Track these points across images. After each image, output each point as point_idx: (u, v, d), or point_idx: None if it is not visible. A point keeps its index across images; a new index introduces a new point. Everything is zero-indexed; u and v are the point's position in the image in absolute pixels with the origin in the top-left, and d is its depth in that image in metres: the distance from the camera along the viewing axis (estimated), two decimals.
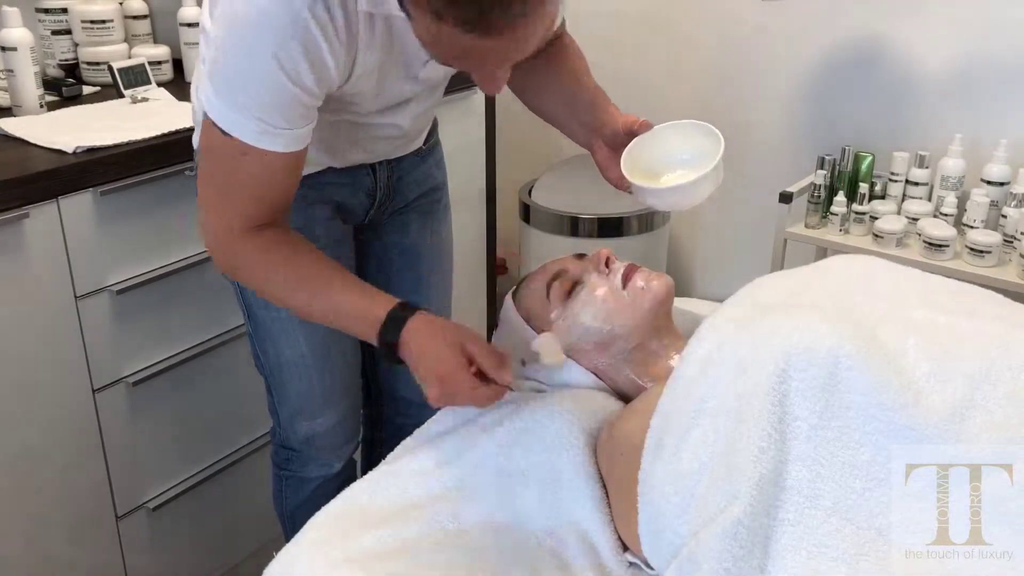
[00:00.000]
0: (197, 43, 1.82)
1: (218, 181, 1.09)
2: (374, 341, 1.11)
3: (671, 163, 1.17)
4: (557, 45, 1.31)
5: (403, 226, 1.45)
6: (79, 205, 1.44)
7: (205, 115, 1.04)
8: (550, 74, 1.31)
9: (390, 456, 1.22)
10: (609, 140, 1.23)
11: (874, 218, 1.91)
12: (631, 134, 1.19)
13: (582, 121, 1.27)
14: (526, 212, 2.30)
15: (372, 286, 1.15)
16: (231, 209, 1.09)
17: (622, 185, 1.19)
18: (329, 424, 1.42)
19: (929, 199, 1.94)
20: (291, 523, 1.53)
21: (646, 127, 1.19)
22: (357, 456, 1.55)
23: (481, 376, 1.09)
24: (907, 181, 1.96)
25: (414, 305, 1.12)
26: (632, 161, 1.16)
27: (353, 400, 1.47)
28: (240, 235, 1.10)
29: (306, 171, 1.20)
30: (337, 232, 1.35)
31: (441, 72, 1.20)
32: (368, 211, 1.39)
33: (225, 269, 1.16)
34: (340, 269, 1.15)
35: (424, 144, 1.43)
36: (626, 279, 1.21)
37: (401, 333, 1.09)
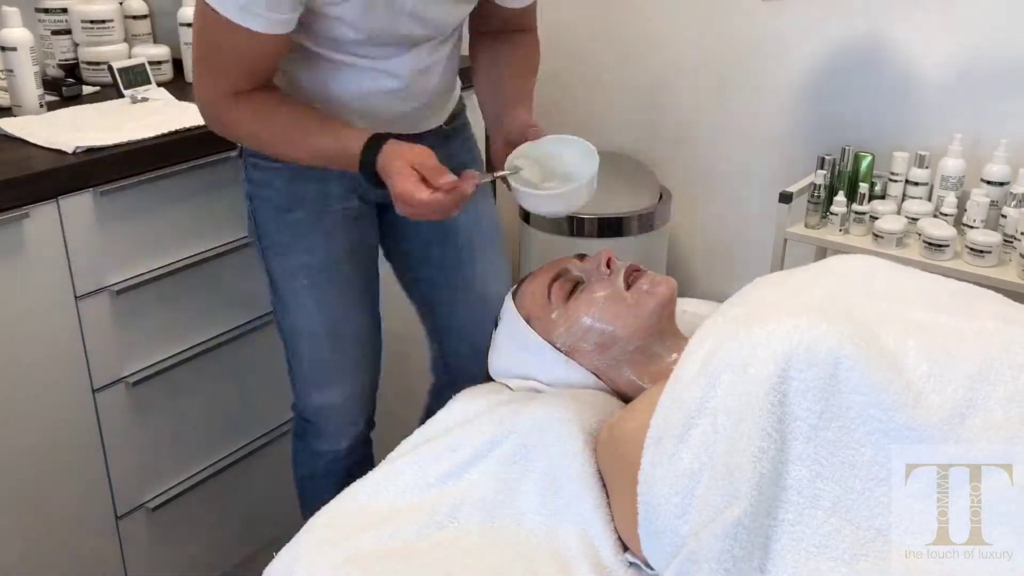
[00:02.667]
0: None
1: (207, 54, 1.19)
2: (365, 181, 1.21)
3: (551, 171, 1.25)
4: (518, 37, 1.39)
5: None
6: (79, 205, 1.44)
7: None
8: (495, 59, 1.39)
9: (390, 456, 1.22)
10: (508, 138, 1.29)
11: (874, 218, 1.90)
12: (522, 134, 1.27)
13: (496, 112, 1.35)
14: (526, 212, 2.30)
15: (346, 126, 1.23)
16: (220, 79, 1.20)
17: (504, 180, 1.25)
18: (337, 399, 1.47)
19: (929, 199, 1.94)
20: (299, 492, 1.61)
21: (536, 132, 1.26)
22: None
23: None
24: (907, 181, 1.96)
25: (385, 135, 1.19)
26: (516, 161, 1.25)
27: (364, 380, 1.50)
28: (227, 100, 1.20)
29: None
30: (354, 208, 1.40)
31: (439, 10, 1.24)
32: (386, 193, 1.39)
33: (216, 128, 1.26)
34: (317, 116, 1.23)
35: (446, 124, 1.45)
36: (630, 281, 1.21)
37: (375, 165, 1.18)
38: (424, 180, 1.15)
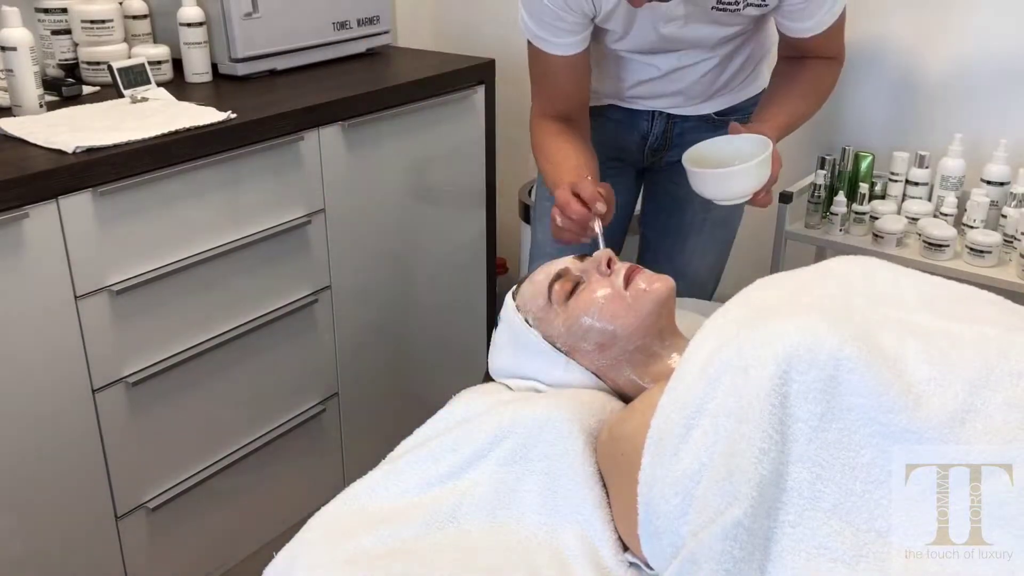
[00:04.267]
0: (196, 43, 1.85)
1: (531, 77, 1.51)
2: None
3: (727, 161, 1.35)
4: (810, 63, 1.50)
5: (678, 176, 1.55)
6: (79, 205, 1.44)
7: None
8: (780, 77, 1.53)
9: (390, 456, 1.22)
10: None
11: (874, 218, 1.90)
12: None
13: (755, 115, 1.50)
14: (526, 212, 2.30)
15: (569, 171, 1.41)
16: (537, 98, 1.52)
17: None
18: None
19: (929, 199, 1.94)
20: None
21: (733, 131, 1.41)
22: None
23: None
24: (907, 181, 1.96)
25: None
26: (697, 156, 1.37)
27: None
28: (537, 116, 1.52)
29: (593, 103, 1.59)
30: (613, 169, 1.63)
31: (686, 34, 1.42)
32: (643, 154, 1.66)
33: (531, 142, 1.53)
34: (567, 152, 1.45)
35: (718, 115, 1.61)
36: (628, 281, 1.21)
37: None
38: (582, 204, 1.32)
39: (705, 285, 1.78)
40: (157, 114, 1.64)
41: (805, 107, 1.51)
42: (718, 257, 1.78)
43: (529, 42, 1.45)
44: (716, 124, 1.62)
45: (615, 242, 1.71)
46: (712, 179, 1.33)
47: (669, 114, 1.61)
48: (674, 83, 1.55)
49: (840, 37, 1.49)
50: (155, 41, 1.95)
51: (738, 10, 1.37)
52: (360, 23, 2.08)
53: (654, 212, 1.76)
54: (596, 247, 1.29)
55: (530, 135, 1.52)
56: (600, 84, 1.59)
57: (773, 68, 1.57)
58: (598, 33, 1.45)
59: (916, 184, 1.94)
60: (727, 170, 1.31)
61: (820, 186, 1.95)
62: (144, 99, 1.72)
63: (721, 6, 1.36)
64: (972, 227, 1.82)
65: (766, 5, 1.38)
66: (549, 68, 1.46)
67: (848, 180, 1.99)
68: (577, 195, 1.31)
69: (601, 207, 1.30)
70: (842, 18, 1.44)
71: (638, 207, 1.81)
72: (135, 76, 1.74)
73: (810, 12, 1.40)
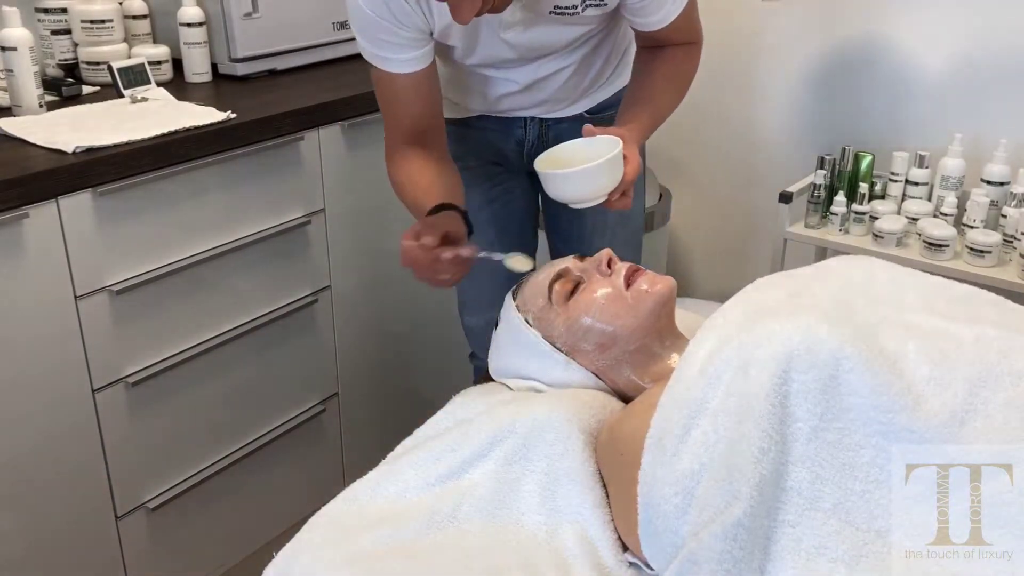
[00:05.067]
0: (196, 43, 1.85)
1: (380, 106, 1.41)
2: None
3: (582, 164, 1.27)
4: (667, 52, 1.42)
5: None
6: (78, 205, 1.44)
7: None
8: (639, 71, 1.46)
9: (390, 456, 1.22)
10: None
11: (874, 218, 1.91)
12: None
13: (618, 116, 1.43)
14: None
15: (448, 195, 1.33)
16: (388, 129, 1.40)
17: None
18: (479, 325, 1.62)
19: (929, 199, 1.94)
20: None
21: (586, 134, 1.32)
22: None
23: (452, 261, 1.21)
24: (907, 181, 1.96)
25: (443, 206, 1.29)
26: (548, 160, 1.30)
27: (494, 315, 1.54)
28: (391, 152, 1.40)
29: (463, 115, 1.54)
30: (497, 175, 1.59)
31: (532, 40, 1.35)
32: (521, 159, 1.58)
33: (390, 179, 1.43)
34: (432, 182, 1.36)
35: (590, 113, 1.55)
36: (629, 281, 1.21)
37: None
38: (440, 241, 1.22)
39: None
40: (157, 114, 1.64)
41: (667, 100, 1.44)
42: (632, 255, 1.69)
43: (371, 68, 1.35)
44: (590, 122, 1.52)
45: (527, 247, 1.66)
46: (559, 180, 1.25)
47: (542, 119, 1.55)
48: (538, 93, 1.49)
49: (693, 21, 1.42)
50: (155, 41, 1.95)
51: (576, 13, 1.31)
52: None
53: (553, 219, 1.69)
54: (492, 261, 1.25)
55: (388, 175, 1.42)
56: (465, 100, 1.53)
57: (635, 58, 1.49)
58: (446, 50, 1.38)
59: (916, 184, 1.94)
60: (572, 171, 1.24)
61: (820, 186, 1.95)
62: (144, 99, 1.72)
63: (559, 11, 1.30)
64: (972, 227, 1.82)
65: (605, 4, 1.32)
66: (396, 89, 1.35)
67: (848, 180, 1.99)
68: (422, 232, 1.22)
69: (430, 240, 1.20)
70: (692, 3, 1.38)
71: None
72: (135, 76, 1.74)
73: (655, 7, 1.34)
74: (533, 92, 1.48)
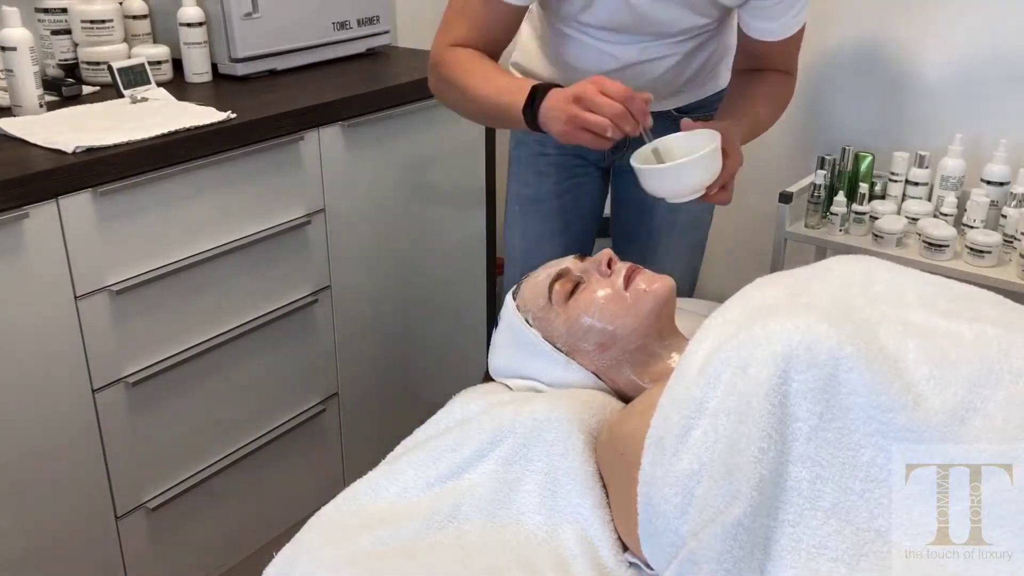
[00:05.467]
0: (196, 43, 1.84)
1: (454, 14, 1.35)
2: (522, 112, 1.22)
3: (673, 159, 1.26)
4: (770, 74, 1.44)
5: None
6: (79, 205, 1.44)
7: None
8: (737, 89, 1.46)
9: (390, 456, 1.22)
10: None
11: (874, 218, 1.90)
12: None
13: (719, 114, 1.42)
14: None
15: (525, 80, 1.28)
16: (453, 31, 1.34)
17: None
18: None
19: (929, 199, 1.94)
20: None
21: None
22: None
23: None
24: (907, 181, 1.96)
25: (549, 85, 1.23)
26: (648, 152, 1.27)
27: None
28: (448, 48, 1.34)
29: None
30: (575, 167, 1.58)
31: (659, 11, 1.33)
32: (603, 152, 1.56)
33: (431, 81, 1.38)
34: (503, 72, 1.32)
35: (678, 111, 1.53)
36: (628, 281, 1.21)
37: (540, 107, 1.20)
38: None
39: (680, 289, 1.71)
40: (157, 114, 1.64)
41: (767, 113, 1.45)
42: (691, 260, 1.75)
43: None
44: (678, 120, 1.53)
45: (585, 246, 1.69)
46: (657, 175, 1.23)
47: None
48: (634, 79, 1.43)
49: (797, 52, 1.45)
50: (155, 41, 1.94)
51: None
52: (360, 23, 2.08)
53: (623, 215, 1.71)
54: (641, 142, 1.23)
55: (438, 67, 1.34)
56: (557, 74, 1.49)
57: (730, 82, 1.51)
58: (559, 4, 1.35)
59: (916, 184, 1.94)
60: (670, 165, 1.22)
61: (820, 186, 1.95)
62: (144, 99, 1.72)
63: None
64: (972, 227, 1.82)
65: None
66: (491, 15, 1.32)
67: (848, 180, 1.99)
68: (602, 91, 1.16)
69: (647, 95, 1.18)
70: (802, 32, 1.40)
71: (607, 210, 1.75)
72: (135, 76, 1.74)
73: (779, 12, 1.35)
74: (630, 75, 1.43)
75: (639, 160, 1.25)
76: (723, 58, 1.57)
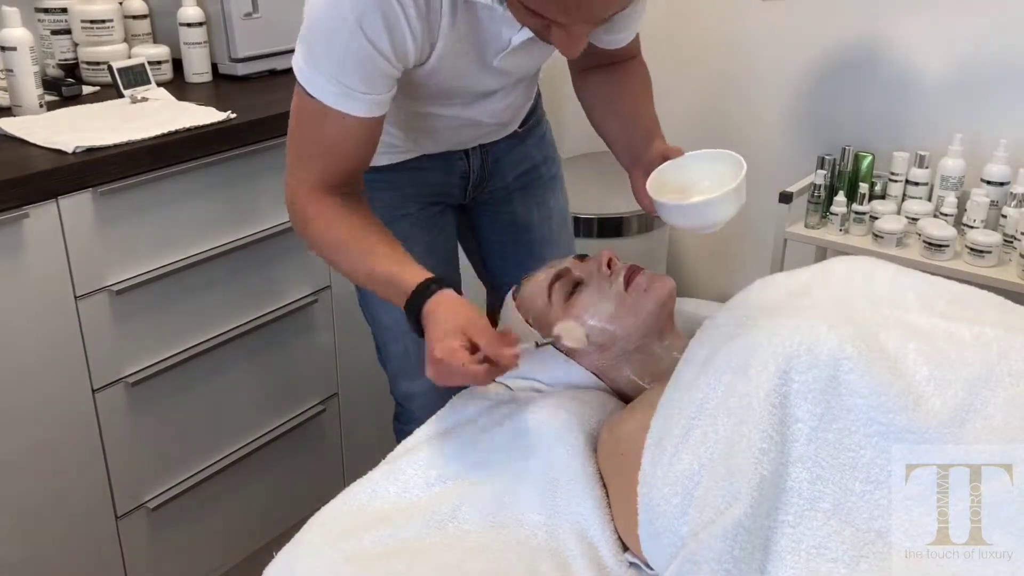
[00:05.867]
0: (196, 43, 1.85)
1: (300, 142, 1.19)
2: (410, 325, 1.13)
3: (695, 187, 1.19)
4: (629, 66, 1.38)
5: (506, 202, 1.52)
6: (79, 205, 1.44)
7: (295, 79, 1.13)
8: (614, 94, 1.36)
9: (390, 456, 1.22)
10: (645, 167, 1.24)
11: (874, 218, 1.91)
12: (663, 159, 1.23)
13: (631, 147, 1.31)
14: None
15: (411, 259, 1.16)
16: (309, 168, 1.18)
17: (651, 209, 1.20)
18: (423, 387, 1.48)
19: (929, 199, 1.95)
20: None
21: (676, 153, 1.23)
22: None
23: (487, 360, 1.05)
24: (907, 181, 1.96)
25: (440, 280, 1.13)
26: (658, 184, 1.19)
27: None
28: (311, 193, 1.18)
29: (400, 159, 1.37)
30: (435, 216, 1.46)
31: (520, 64, 1.26)
32: (465, 192, 1.48)
33: (296, 226, 1.22)
34: (387, 240, 1.18)
35: (520, 127, 1.49)
36: (628, 281, 1.21)
37: (423, 309, 1.10)
38: (471, 345, 1.06)
39: None
40: (157, 114, 1.64)
41: (652, 105, 1.37)
42: (568, 249, 1.61)
43: (312, 106, 1.12)
44: (522, 137, 1.50)
45: (452, 282, 1.48)
46: (686, 211, 1.14)
47: (481, 145, 1.44)
48: (489, 123, 1.38)
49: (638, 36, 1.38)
50: (155, 41, 1.95)
51: None
52: None
53: (497, 243, 1.57)
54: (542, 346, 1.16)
55: (306, 222, 1.19)
56: (410, 143, 1.38)
57: (580, 85, 1.40)
58: (411, 88, 1.21)
59: (916, 184, 1.95)
60: (701, 201, 1.13)
61: (820, 186, 1.95)
62: (144, 99, 1.72)
63: None
64: (972, 227, 1.82)
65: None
66: (345, 130, 1.14)
67: (848, 180, 1.99)
68: (465, 334, 1.05)
69: (508, 354, 1.06)
70: None
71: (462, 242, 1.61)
72: (135, 76, 1.74)
73: (628, 23, 1.30)
74: (476, 121, 1.36)
75: (657, 190, 1.17)
76: (534, 82, 1.48)
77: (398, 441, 1.52)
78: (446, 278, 1.43)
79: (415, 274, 1.13)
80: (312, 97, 1.11)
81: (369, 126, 1.15)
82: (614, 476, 1.05)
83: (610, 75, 1.37)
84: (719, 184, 1.15)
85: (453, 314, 1.08)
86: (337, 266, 1.23)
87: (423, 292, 1.10)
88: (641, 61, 1.41)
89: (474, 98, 1.30)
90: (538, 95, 1.53)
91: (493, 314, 1.60)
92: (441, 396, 1.46)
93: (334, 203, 1.18)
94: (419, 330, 1.11)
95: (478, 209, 1.55)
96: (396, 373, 1.53)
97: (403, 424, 1.58)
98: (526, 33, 1.12)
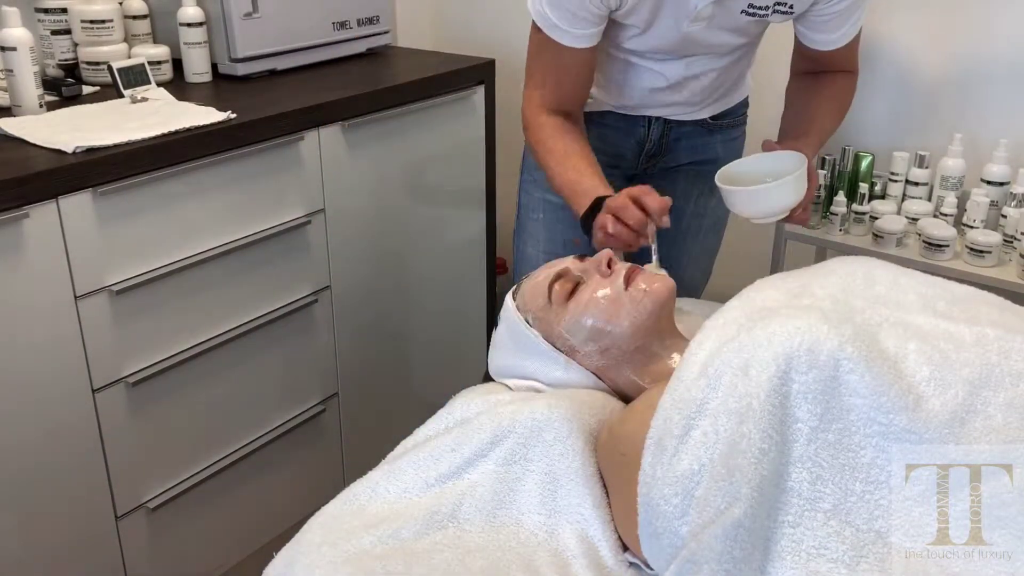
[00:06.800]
0: (196, 43, 1.85)
1: (529, 65, 1.45)
2: (579, 214, 1.35)
3: (760, 182, 1.33)
4: (832, 76, 1.49)
5: (671, 183, 1.63)
6: (79, 205, 1.44)
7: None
8: (803, 91, 1.51)
9: (390, 456, 1.22)
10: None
11: (874, 218, 1.90)
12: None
13: (782, 134, 1.49)
14: None
15: (594, 177, 1.37)
16: (534, 85, 1.45)
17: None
18: (535, 255, 1.62)
19: (929, 199, 1.94)
20: None
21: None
22: None
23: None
24: (907, 181, 1.96)
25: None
26: (727, 176, 1.35)
27: None
28: (537, 109, 1.45)
29: (590, 109, 1.55)
30: (608, 180, 1.55)
31: (710, 38, 1.39)
32: (638, 160, 1.62)
33: (525, 133, 1.48)
34: (583, 154, 1.41)
35: (712, 119, 1.61)
36: (628, 281, 1.21)
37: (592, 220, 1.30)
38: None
39: (696, 291, 1.78)
40: (157, 114, 1.64)
41: (831, 123, 1.50)
42: (708, 262, 1.79)
43: (538, 33, 1.39)
44: (711, 128, 1.62)
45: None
46: (748, 196, 1.30)
47: (666, 119, 1.59)
48: (678, 93, 1.52)
49: (856, 50, 1.48)
50: (155, 41, 1.94)
51: (765, 16, 1.36)
52: (360, 23, 2.08)
53: None
54: (647, 258, 1.29)
55: (528, 131, 1.46)
56: (601, 92, 1.56)
57: (789, 85, 1.55)
58: (612, 32, 1.41)
59: (916, 184, 1.94)
60: (763, 187, 1.29)
61: (820, 186, 1.95)
62: (144, 99, 1.72)
63: (751, 11, 1.34)
64: (972, 227, 1.82)
65: (792, 12, 1.37)
66: (562, 61, 1.40)
67: (848, 180, 1.99)
68: (636, 201, 1.26)
69: (667, 221, 1.27)
70: (860, 33, 1.44)
71: None
72: (135, 76, 1.74)
73: (837, 24, 1.38)
74: (676, 90, 1.51)
75: (724, 180, 1.32)
76: (749, 67, 1.61)
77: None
78: None
79: (595, 186, 1.34)
80: (536, 27, 1.38)
81: (583, 58, 1.39)
82: (614, 476, 1.05)
83: (813, 80, 1.50)
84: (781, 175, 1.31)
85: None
86: (545, 170, 1.45)
87: (601, 198, 1.31)
88: (850, 77, 1.50)
89: (667, 58, 1.45)
90: (745, 107, 1.66)
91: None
92: None
93: (549, 123, 1.43)
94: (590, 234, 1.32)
95: (644, 182, 1.62)
96: (524, 235, 1.68)
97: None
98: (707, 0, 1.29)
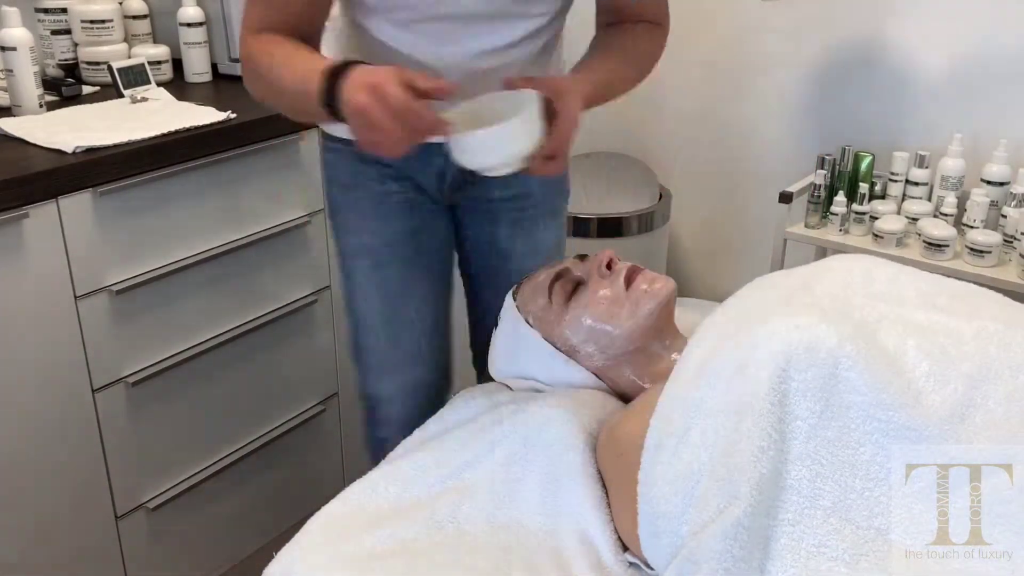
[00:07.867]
0: (196, 43, 1.85)
1: None
2: (320, 96, 1.03)
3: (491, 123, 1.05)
4: (633, 27, 1.27)
5: (491, 220, 1.41)
6: (78, 205, 1.44)
7: None
8: (605, 36, 1.28)
9: (390, 456, 1.22)
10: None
11: (874, 218, 1.90)
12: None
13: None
14: None
15: (323, 58, 1.10)
16: (253, 14, 1.14)
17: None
18: (390, 390, 1.43)
19: (929, 199, 1.94)
20: (367, 455, 1.53)
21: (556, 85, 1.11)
22: None
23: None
24: (907, 181, 1.96)
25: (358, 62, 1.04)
26: (455, 117, 1.06)
27: (419, 374, 1.43)
28: (254, 35, 1.14)
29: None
30: (412, 196, 1.34)
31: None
32: (442, 192, 1.35)
33: (244, 72, 1.17)
34: (306, 49, 1.12)
35: None
36: (629, 281, 1.21)
37: (345, 79, 1.01)
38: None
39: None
40: (157, 114, 1.64)
41: (627, 71, 1.25)
42: None
43: None
44: None
45: (446, 291, 1.46)
46: (463, 145, 1.03)
47: None
48: (460, 66, 1.18)
49: (665, 2, 1.28)
50: (155, 41, 1.95)
51: None
52: None
53: (476, 258, 1.47)
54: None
55: (242, 47, 1.15)
56: None
57: (592, 41, 1.29)
58: (366, 14, 1.15)
59: (916, 184, 1.94)
60: (476, 133, 1.01)
61: (820, 186, 1.95)
62: (144, 99, 1.72)
63: None
64: (972, 227, 1.82)
65: None
66: None
67: (848, 180, 1.99)
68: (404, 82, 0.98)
69: (450, 86, 1.00)
70: None
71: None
72: (135, 76, 1.75)
73: None
74: (473, 84, 1.14)
75: (462, 124, 1.04)
76: (558, 70, 1.35)
77: (372, 453, 1.46)
78: (441, 276, 1.42)
79: (329, 62, 1.04)
80: None
81: None
82: (614, 476, 1.05)
83: (618, 29, 1.27)
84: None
85: (376, 69, 1.00)
86: (271, 93, 1.15)
87: (340, 67, 1.02)
88: (650, 30, 1.28)
89: (467, 21, 1.14)
90: (579, 63, 1.29)
91: (479, 357, 1.52)
92: (411, 397, 1.43)
93: (265, 36, 1.12)
94: (336, 113, 1.02)
95: (464, 218, 1.43)
96: (367, 369, 1.44)
97: (375, 429, 1.48)
98: None
